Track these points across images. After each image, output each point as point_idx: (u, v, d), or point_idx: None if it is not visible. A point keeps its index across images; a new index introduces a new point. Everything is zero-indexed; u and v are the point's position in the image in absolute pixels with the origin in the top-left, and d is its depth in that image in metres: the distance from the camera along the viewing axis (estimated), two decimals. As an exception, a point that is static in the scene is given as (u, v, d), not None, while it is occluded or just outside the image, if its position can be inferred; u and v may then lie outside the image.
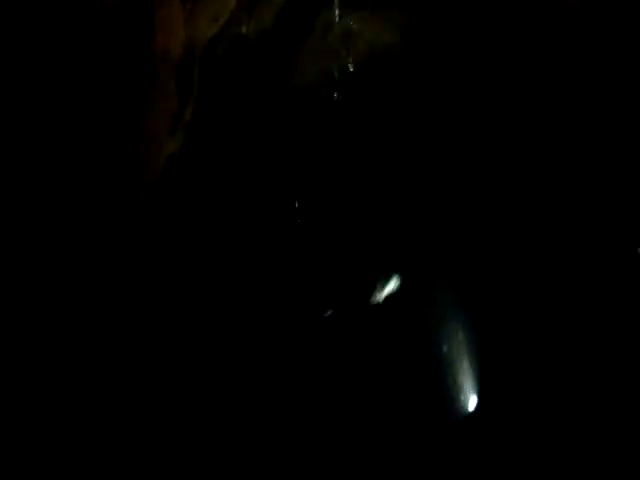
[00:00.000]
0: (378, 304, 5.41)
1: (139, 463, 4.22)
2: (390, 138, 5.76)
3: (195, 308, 4.97)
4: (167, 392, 4.62)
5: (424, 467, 4.52)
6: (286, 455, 4.51)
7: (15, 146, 3.79)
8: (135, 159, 4.69)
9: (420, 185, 5.75)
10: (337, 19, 5.73)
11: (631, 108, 5.39)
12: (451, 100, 5.73)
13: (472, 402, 4.90)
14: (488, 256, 5.36)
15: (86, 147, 4.24)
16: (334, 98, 5.94)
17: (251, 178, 5.62)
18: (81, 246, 4.23)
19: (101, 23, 4.12)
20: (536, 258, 5.26)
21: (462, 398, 4.93)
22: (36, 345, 3.90)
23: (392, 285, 5.47)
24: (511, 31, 5.56)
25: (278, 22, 5.92)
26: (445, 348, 5.09)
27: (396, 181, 5.78)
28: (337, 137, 5.79)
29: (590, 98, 5.53)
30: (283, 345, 5.06)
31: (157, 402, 4.56)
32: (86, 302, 4.20)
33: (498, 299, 5.15)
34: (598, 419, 4.46)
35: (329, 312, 5.27)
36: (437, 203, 5.70)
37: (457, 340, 5.09)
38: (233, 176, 5.52)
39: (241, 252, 5.40)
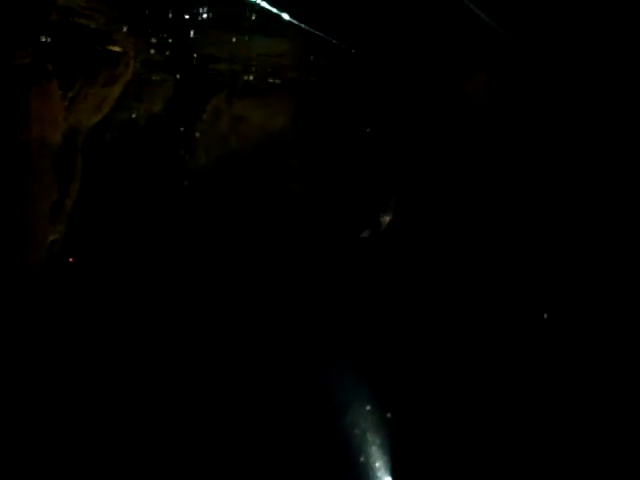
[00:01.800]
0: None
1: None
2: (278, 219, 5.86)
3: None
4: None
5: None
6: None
7: None
8: (13, 251, 4.44)
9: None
10: (226, 105, 5.84)
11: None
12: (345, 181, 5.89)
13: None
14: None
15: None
16: (225, 183, 5.96)
17: (138, 264, 5.47)
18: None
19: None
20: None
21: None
22: None
23: None
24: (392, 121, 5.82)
25: (168, 108, 5.95)
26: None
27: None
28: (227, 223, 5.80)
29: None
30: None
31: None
32: None
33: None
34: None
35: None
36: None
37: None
38: (120, 263, 5.35)
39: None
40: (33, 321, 4.61)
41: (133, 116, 5.81)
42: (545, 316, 5.12)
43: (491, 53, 6.25)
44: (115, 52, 4.90)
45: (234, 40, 4.89)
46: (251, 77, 5.73)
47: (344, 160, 6.32)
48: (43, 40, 4.56)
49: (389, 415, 4.82)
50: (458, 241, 5.68)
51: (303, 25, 4.48)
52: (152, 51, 5.08)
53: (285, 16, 4.11)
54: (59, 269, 4.95)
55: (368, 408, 4.85)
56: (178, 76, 5.66)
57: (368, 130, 6.30)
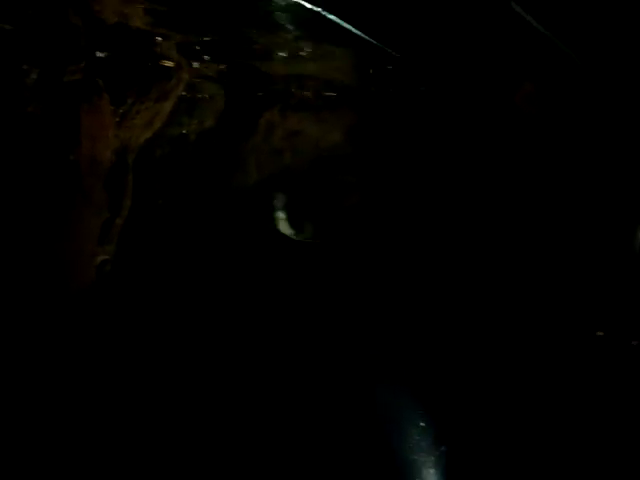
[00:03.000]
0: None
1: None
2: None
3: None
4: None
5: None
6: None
7: None
8: (61, 273, 4.31)
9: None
10: (280, 120, 5.64)
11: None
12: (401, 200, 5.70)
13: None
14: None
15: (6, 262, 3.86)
16: (277, 197, 5.77)
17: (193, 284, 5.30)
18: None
19: (23, 133, 3.85)
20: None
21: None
22: None
23: None
24: (456, 135, 5.60)
25: (220, 123, 5.79)
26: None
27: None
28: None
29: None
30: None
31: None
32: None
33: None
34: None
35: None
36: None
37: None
38: (170, 285, 5.17)
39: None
40: (83, 342, 4.49)
41: (184, 132, 5.67)
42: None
43: (540, 62, 6.04)
44: (167, 67, 4.76)
45: (288, 53, 4.71)
46: (306, 91, 5.54)
47: (400, 173, 6.08)
48: (94, 56, 4.44)
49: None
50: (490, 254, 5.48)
51: (363, 35, 4.23)
52: (204, 66, 4.94)
53: (344, 24, 3.86)
54: (109, 290, 4.80)
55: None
56: (230, 90, 5.49)
57: (420, 143, 6.06)
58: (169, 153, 5.56)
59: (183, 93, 5.06)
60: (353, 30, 4.04)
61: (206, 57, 4.95)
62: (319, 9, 3.59)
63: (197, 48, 4.86)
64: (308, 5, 3.60)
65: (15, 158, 3.76)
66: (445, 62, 5.88)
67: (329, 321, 5.17)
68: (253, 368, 4.66)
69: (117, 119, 4.62)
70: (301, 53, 4.62)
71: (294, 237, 5.97)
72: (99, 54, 4.57)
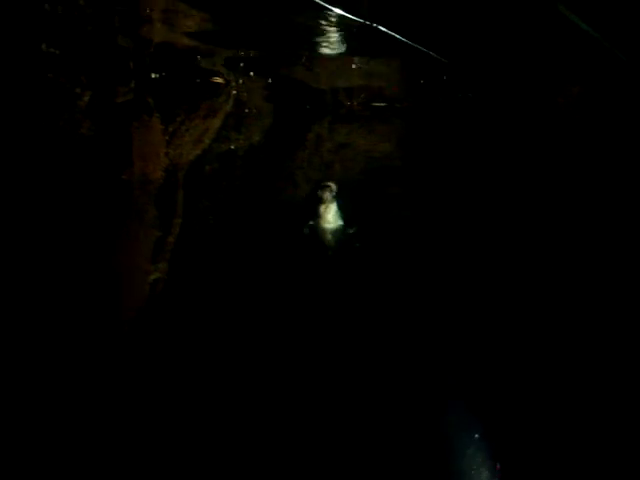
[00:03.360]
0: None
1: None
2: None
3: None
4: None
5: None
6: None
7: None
8: (115, 291, 4.33)
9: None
10: (329, 133, 5.56)
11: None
12: (449, 210, 5.58)
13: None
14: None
15: (61, 282, 3.89)
16: (329, 210, 5.68)
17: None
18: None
19: (76, 153, 3.89)
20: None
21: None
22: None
23: None
24: (505, 144, 5.46)
25: (268, 137, 5.76)
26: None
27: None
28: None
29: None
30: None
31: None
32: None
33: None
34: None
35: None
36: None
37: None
38: (219, 301, 5.14)
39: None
40: (135, 362, 4.50)
41: (232, 147, 5.65)
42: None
43: (588, 65, 5.84)
44: (215, 83, 4.76)
45: (336, 67, 4.65)
46: (355, 102, 5.46)
47: (449, 183, 5.96)
48: (144, 76, 4.47)
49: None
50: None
51: (411, 43, 4.14)
52: (252, 81, 4.92)
53: (393, 34, 3.78)
54: (162, 308, 4.79)
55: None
56: (278, 105, 5.45)
57: (467, 151, 5.95)
58: (218, 169, 5.55)
59: (231, 109, 5.04)
60: (402, 39, 3.94)
61: (253, 73, 4.93)
62: (369, 22, 3.51)
63: (244, 64, 4.85)
64: (357, 18, 3.53)
65: (69, 180, 3.79)
66: (492, 66, 5.74)
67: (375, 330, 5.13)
68: (304, 390, 4.62)
69: (167, 137, 4.63)
70: (350, 65, 4.56)
71: (340, 248, 5.88)
72: (148, 74, 4.62)
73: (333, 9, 3.53)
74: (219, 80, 4.76)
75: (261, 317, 5.22)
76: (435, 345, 5.08)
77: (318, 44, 4.30)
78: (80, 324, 4.07)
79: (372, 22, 3.85)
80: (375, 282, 5.61)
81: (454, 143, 5.80)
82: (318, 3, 3.43)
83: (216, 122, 4.91)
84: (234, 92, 4.90)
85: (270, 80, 5.06)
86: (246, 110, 5.49)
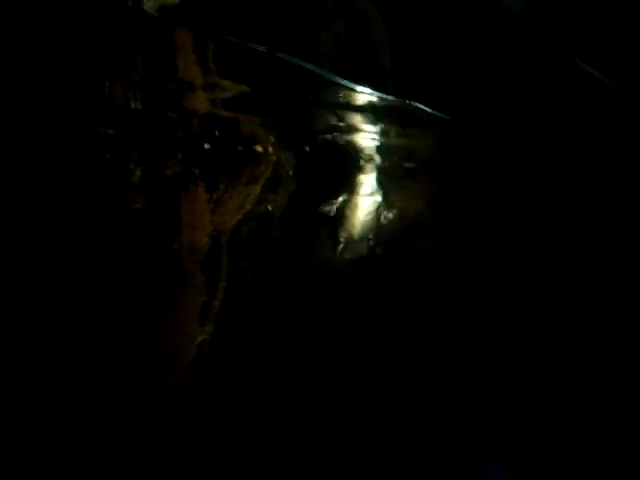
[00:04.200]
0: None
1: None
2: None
3: None
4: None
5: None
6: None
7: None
8: (164, 352, 4.52)
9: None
10: (365, 191, 5.78)
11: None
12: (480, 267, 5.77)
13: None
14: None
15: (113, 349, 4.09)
16: (365, 264, 5.87)
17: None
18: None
19: (131, 228, 4.13)
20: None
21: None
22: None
23: None
24: (533, 205, 5.66)
25: (305, 197, 5.97)
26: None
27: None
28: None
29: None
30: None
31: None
32: None
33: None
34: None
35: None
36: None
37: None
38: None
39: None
40: (182, 417, 4.66)
41: (269, 208, 5.87)
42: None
43: (605, 108, 6.05)
44: (256, 152, 5.00)
45: (372, 133, 4.90)
46: (387, 163, 5.68)
47: (478, 237, 6.14)
48: (190, 147, 4.73)
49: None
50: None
51: (441, 115, 4.39)
52: (290, 149, 5.17)
53: (426, 109, 4.03)
54: (208, 368, 4.97)
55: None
56: (314, 166, 5.69)
57: (495, 205, 6.15)
58: (256, 230, 5.77)
59: (270, 174, 5.28)
60: (434, 113, 4.19)
61: (290, 140, 5.19)
62: (405, 100, 3.76)
63: (282, 133, 5.11)
64: (392, 98, 3.77)
65: (125, 253, 4.02)
66: (514, 122, 5.95)
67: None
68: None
69: (212, 205, 4.87)
70: (385, 133, 4.81)
71: (375, 300, 6.03)
72: (194, 145, 4.88)
73: (361, 88, 3.80)
74: (259, 148, 5.01)
75: (299, 370, 5.37)
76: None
77: (351, 117, 4.57)
78: (133, 382, 4.26)
79: (410, 100, 4.12)
80: (407, 335, 5.77)
81: (482, 199, 6.00)
82: (346, 85, 3.70)
83: (257, 188, 5.14)
84: (274, 158, 5.15)
85: (307, 147, 5.31)
86: (282, 172, 5.72)
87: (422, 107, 4.18)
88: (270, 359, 5.44)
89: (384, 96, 3.88)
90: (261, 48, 2.92)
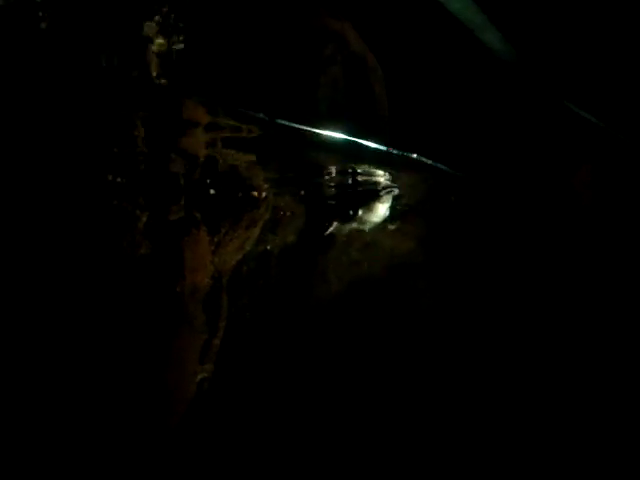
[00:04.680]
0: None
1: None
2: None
3: None
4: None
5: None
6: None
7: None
8: (165, 389, 4.70)
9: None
10: (357, 233, 6.04)
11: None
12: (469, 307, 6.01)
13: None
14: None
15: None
16: (357, 305, 6.09)
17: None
18: None
19: (137, 272, 4.36)
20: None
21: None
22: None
23: None
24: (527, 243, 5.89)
25: (301, 238, 6.24)
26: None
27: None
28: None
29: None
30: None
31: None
32: None
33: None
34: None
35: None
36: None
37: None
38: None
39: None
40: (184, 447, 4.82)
41: (268, 247, 6.12)
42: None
43: (595, 147, 6.32)
44: (256, 197, 5.27)
45: (364, 178, 5.18)
46: (379, 205, 5.95)
47: (468, 277, 6.38)
48: (193, 193, 4.99)
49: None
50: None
51: (433, 163, 4.65)
52: (288, 195, 5.45)
53: (422, 159, 4.30)
54: (208, 404, 5.15)
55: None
56: (310, 208, 5.95)
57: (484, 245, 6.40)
58: (255, 269, 6.00)
59: (269, 216, 5.54)
60: (426, 162, 4.45)
61: (289, 185, 5.46)
62: (399, 151, 4.03)
63: (281, 178, 5.39)
64: (385, 149, 4.04)
65: (131, 298, 4.25)
66: (504, 170, 6.23)
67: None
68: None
69: (213, 247, 5.11)
70: (378, 179, 5.08)
71: (368, 339, 6.24)
72: (196, 190, 5.14)
73: (355, 140, 4.08)
74: (259, 193, 5.27)
75: (295, 402, 5.55)
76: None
77: (346, 165, 4.85)
78: (138, 415, 4.44)
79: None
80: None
81: (474, 239, 6.26)
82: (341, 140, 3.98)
83: (256, 230, 5.40)
84: (272, 203, 5.41)
85: (303, 192, 5.58)
86: (281, 213, 5.99)
87: (415, 157, 4.44)
88: (269, 393, 5.62)
89: (378, 147, 4.15)
90: (261, 115, 3.20)
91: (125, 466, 4.32)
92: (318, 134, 3.69)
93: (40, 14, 3.73)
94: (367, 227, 5.99)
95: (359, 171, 5.23)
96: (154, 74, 4.50)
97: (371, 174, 5.21)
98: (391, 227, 6.04)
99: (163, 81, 4.50)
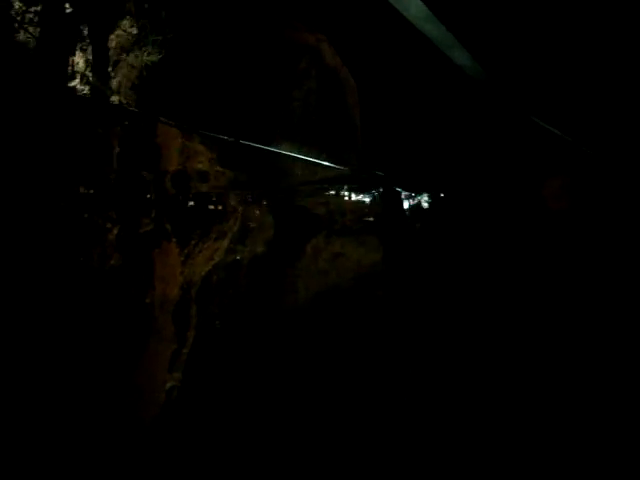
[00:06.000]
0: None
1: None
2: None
3: None
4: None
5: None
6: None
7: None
8: (136, 396, 4.79)
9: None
10: (325, 244, 6.21)
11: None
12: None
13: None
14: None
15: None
16: (324, 314, 6.24)
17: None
18: None
19: (107, 284, 4.46)
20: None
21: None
22: None
23: None
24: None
25: (270, 248, 6.38)
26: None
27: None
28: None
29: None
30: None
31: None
32: None
33: None
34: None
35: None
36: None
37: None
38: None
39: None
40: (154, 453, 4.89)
41: (238, 258, 6.25)
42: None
43: (565, 158, 6.55)
44: (225, 209, 5.41)
45: (331, 192, 5.36)
46: (348, 218, 6.14)
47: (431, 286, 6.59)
48: (164, 205, 5.11)
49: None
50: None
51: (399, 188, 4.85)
52: (257, 208, 5.60)
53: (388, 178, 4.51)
54: (177, 413, 5.23)
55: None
56: (279, 221, 6.11)
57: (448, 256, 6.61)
58: (225, 279, 6.13)
59: (237, 228, 5.68)
60: (393, 183, 4.65)
61: (257, 199, 5.62)
62: (363, 172, 4.22)
63: (250, 192, 5.55)
64: (348, 169, 4.22)
65: (101, 307, 4.35)
66: (472, 185, 6.45)
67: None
68: None
69: (182, 258, 5.23)
70: (344, 193, 5.28)
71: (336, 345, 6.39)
72: (166, 204, 5.26)
73: (320, 161, 4.27)
74: (228, 206, 5.42)
75: (264, 405, 5.66)
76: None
77: (313, 182, 5.03)
78: (109, 423, 4.52)
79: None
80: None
81: (439, 248, 6.48)
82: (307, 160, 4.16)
83: (225, 242, 5.53)
84: (240, 215, 5.56)
85: (271, 205, 5.74)
86: (250, 225, 6.13)
87: (381, 174, 4.63)
88: (238, 398, 5.72)
89: (341, 168, 4.33)
90: (229, 139, 3.35)
91: (104, 461, 4.39)
92: (281, 154, 3.85)
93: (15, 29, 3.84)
94: (335, 239, 6.17)
95: (325, 186, 5.42)
96: (126, 95, 4.63)
97: (337, 190, 5.40)
98: (358, 239, 6.23)
99: (134, 102, 4.63)
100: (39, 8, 3.97)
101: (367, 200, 5.57)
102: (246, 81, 5.46)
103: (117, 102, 3.97)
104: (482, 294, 6.39)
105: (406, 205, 6.09)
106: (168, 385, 5.06)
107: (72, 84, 3.97)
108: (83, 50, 4.44)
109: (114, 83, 4.72)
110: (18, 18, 3.78)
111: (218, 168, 5.25)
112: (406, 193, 5.32)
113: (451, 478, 4.75)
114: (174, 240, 5.11)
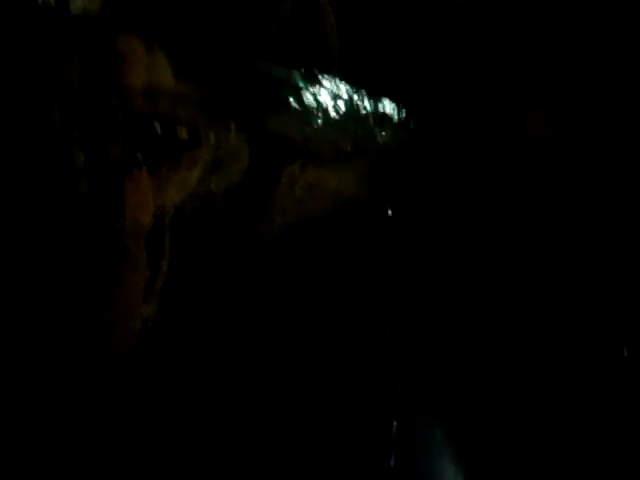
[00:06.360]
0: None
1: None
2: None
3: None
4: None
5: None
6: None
7: None
8: (111, 326, 4.78)
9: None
10: (301, 173, 6.09)
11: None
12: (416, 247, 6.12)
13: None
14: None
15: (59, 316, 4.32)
16: (301, 243, 6.18)
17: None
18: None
19: (75, 213, 4.35)
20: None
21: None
22: None
23: None
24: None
25: (245, 178, 6.25)
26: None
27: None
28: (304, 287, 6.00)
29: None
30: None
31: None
32: None
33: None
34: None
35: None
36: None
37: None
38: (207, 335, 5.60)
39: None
40: (132, 378, 4.92)
41: (212, 187, 6.12)
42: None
43: (548, 87, 6.44)
44: (197, 137, 5.23)
45: (308, 117, 5.21)
46: (324, 145, 6.00)
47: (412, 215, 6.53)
48: (133, 133, 4.93)
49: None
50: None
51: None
52: (231, 134, 5.43)
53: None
54: (153, 341, 5.23)
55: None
56: (254, 149, 5.95)
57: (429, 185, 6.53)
58: (199, 207, 6.01)
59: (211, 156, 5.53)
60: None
61: (231, 124, 5.44)
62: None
63: (223, 116, 5.36)
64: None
65: (68, 235, 4.25)
66: (452, 106, 6.32)
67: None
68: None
69: (154, 186, 5.10)
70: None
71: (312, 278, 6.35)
72: (136, 129, 5.08)
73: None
74: (200, 134, 5.24)
75: (238, 342, 5.67)
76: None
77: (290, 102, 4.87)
78: (86, 351, 4.50)
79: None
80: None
81: (420, 178, 6.38)
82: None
83: (197, 170, 5.38)
84: (213, 142, 5.39)
85: (247, 133, 5.57)
86: (224, 154, 5.96)
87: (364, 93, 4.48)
88: (212, 332, 5.73)
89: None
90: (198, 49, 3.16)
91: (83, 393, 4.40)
92: (265, 67, 3.68)
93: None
94: (311, 168, 6.05)
95: (302, 109, 5.26)
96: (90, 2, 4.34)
97: (315, 113, 5.25)
98: (335, 168, 6.12)
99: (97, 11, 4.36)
100: None
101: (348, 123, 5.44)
102: (218, 5, 5.22)
103: (79, 12, 3.73)
104: (463, 224, 6.35)
105: (387, 132, 5.93)
106: (144, 314, 5.04)
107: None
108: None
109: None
110: None
111: (191, 92, 5.05)
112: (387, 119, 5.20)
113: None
114: (145, 168, 4.95)
